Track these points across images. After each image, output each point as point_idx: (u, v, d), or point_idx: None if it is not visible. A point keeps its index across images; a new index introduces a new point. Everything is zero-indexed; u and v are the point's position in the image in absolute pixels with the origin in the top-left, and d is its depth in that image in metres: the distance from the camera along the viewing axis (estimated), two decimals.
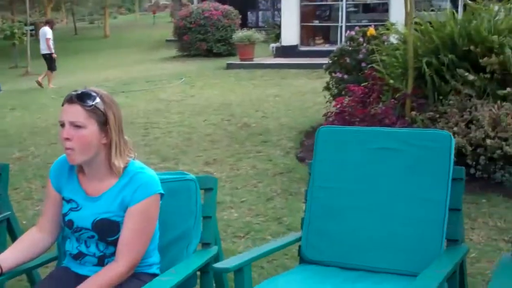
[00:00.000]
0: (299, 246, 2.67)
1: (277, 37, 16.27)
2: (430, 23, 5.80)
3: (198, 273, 2.43)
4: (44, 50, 14.56)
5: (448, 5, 13.05)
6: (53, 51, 14.57)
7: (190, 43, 17.47)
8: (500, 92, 5.14)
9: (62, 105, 2.15)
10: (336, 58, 7.10)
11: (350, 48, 6.94)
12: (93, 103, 2.12)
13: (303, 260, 2.65)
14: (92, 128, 2.12)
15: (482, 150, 4.78)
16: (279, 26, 16.30)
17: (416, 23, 5.68)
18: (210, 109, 9.13)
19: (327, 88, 7.22)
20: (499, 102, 5.04)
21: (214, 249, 2.52)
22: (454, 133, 4.83)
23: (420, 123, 5.21)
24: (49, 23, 15.34)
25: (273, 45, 15.55)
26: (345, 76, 6.83)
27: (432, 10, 8.21)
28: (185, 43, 17.65)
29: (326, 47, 14.77)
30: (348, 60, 6.88)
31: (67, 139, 2.12)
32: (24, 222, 4.47)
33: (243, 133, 7.39)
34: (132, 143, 2.28)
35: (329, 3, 15.53)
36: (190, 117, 8.64)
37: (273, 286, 2.40)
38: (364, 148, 2.61)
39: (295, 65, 13.45)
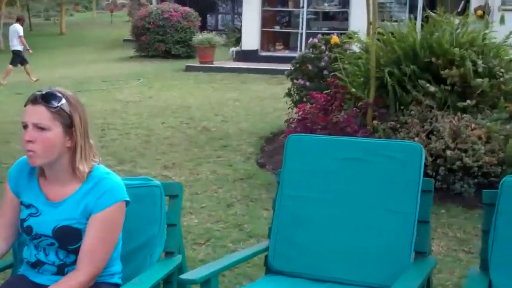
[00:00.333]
0: (266, 256, 2.62)
1: (237, 41, 16.23)
2: (392, 33, 5.85)
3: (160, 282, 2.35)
4: (15, 46, 14.37)
5: (407, 16, 13.27)
6: (28, 47, 14.48)
7: (148, 44, 17.26)
8: (460, 104, 5.21)
9: (25, 105, 2.04)
10: (298, 65, 7.09)
11: (313, 55, 6.94)
12: (59, 104, 2.02)
13: (269, 270, 2.60)
14: (56, 131, 2.02)
15: (442, 161, 4.83)
16: (239, 30, 16.27)
17: (378, 33, 5.72)
18: (168, 112, 9.00)
19: (288, 94, 7.21)
20: (459, 114, 5.11)
21: (178, 258, 2.44)
22: None
23: (382, 133, 5.23)
24: (20, 20, 15.15)
25: (233, 49, 15.50)
26: (307, 83, 6.82)
27: (395, 21, 8.32)
28: (143, 43, 17.43)
29: (286, 53, 14.83)
30: (310, 67, 6.88)
31: (30, 141, 2.01)
32: None
33: (203, 137, 7.30)
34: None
35: (289, 9, 15.58)
36: (148, 119, 8.49)
37: None
38: (334, 158, 2.57)
39: (255, 70, 13.44)
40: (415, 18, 6.85)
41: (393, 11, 14.01)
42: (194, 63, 14.96)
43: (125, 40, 22.47)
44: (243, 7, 15.27)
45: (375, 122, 5.34)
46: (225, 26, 22.02)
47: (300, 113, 5.80)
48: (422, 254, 2.45)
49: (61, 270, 2.13)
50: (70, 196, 2.10)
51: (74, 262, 2.09)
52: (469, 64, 5.21)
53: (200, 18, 18.26)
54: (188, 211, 4.72)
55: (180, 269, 2.45)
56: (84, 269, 2.05)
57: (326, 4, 15.43)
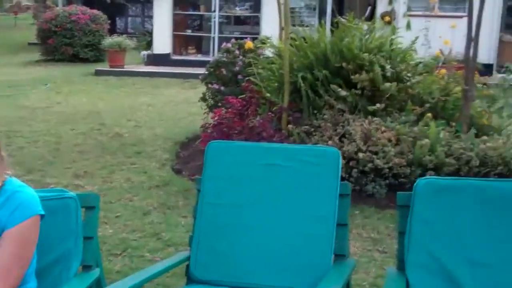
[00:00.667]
0: (187, 266, 2.58)
1: (148, 44, 15.99)
2: (304, 38, 5.96)
3: None
4: None
5: (317, 21, 13.58)
6: None
7: (55, 47, 16.65)
8: (370, 107, 5.39)
9: None
10: (212, 69, 7.08)
11: (227, 60, 6.95)
12: None
13: (191, 279, 2.56)
14: None
15: (354, 163, 4.96)
16: (150, 34, 16.03)
17: (290, 38, 5.81)
18: (78, 117, 8.72)
19: (203, 99, 7.17)
20: (369, 117, 5.28)
21: (96, 272, 2.36)
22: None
23: (296, 137, 5.32)
24: None
25: (144, 52, 15.24)
26: (222, 88, 6.82)
27: (306, 26, 8.50)
28: (50, 47, 16.80)
29: (199, 57, 14.77)
30: (224, 71, 6.88)
31: None
32: None
33: (115, 143, 7.12)
34: None
35: (201, 13, 15.53)
36: (57, 125, 8.18)
37: None
38: (254, 164, 2.58)
39: (167, 74, 13.29)
40: (325, 23, 7.01)
41: (303, 16, 14.29)
42: (104, 67, 14.59)
43: (30, 44, 21.56)
44: (154, 10, 15.07)
45: (290, 126, 5.42)
46: (136, 29, 21.66)
47: (216, 118, 5.79)
48: (342, 256, 2.50)
49: None
50: None
51: None
52: (377, 69, 5.40)
53: (109, 21, 17.86)
54: (102, 221, 4.57)
55: (98, 282, 2.38)
56: None
57: (237, 9, 15.51)
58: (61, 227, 2.29)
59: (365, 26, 6.02)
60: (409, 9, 12.07)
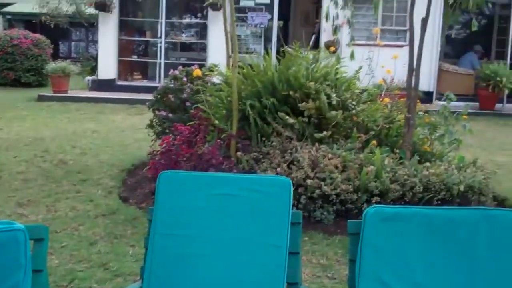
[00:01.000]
0: None
1: (93, 69, 15.83)
2: (251, 66, 6.04)
3: None
4: None
5: (262, 48, 13.76)
6: None
7: None
8: (317, 135, 5.49)
9: None
10: (159, 96, 7.06)
11: (174, 87, 6.94)
12: None
13: None
14: None
15: (303, 190, 5.03)
16: (95, 59, 15.87)
17: (238, 66, 5.88)
18: (21, 144, 8.51)
19: (150, 125, 7.13)
20: (316, 144, 5.38)
21: None
22: (277, 173, 5.03)
23: (245, 164, 5.36)
24: None
25: (89, 78, 15.06)
26: (170, 115, 6.80)
27: (251, 53, 8.59)
28: None
29: (145, 83, 14.71)
30: (172, 98, 6.88)
31: None
32: None
33: (60, 171, 6.98)
34: None
35: (147, 39, 15.49)
36: None
37: None
38: (207, 194, 2.59)
39: (113, 100, 13.19)
40: (271, 49, 7.12)
41: (249, 43, 14.45)
42: (47, 92, 14.33)
43: None
44: (99, 35, 14.94)
45: (238, 153, 5.46)
46: (80, 54, 21.41)
47: (164, 145, 5.76)
48: (294, 285, 2.53)
49: None
50: None
51: None
52: (323, 97, 5.52)
53: (52, 46, 17.61)
54: (48, 252, 4.46)
55: None
56: None
57: (183, 35, 15.55)
58: (10, 261, 2.22)
59: (311, 55, 6.15)
60: (352, 38, 12.40)
